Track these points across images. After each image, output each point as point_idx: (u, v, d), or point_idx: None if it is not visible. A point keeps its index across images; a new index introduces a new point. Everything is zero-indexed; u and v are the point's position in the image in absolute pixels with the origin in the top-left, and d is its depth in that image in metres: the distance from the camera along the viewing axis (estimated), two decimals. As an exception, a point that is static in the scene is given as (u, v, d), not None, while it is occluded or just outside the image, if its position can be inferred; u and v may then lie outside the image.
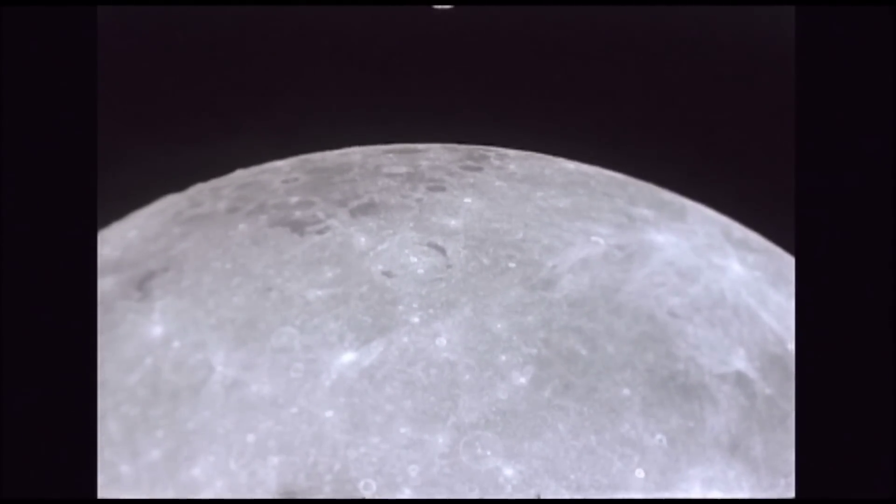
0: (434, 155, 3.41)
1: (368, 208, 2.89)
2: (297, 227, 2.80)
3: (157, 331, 2.49)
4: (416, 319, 2.46)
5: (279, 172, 3.30)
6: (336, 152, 3.55)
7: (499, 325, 2.47)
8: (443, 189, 3.04)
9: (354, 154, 3.46)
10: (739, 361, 2.57)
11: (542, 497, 2.18)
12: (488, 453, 2.20)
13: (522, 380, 2.35)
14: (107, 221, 3.14)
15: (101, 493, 2.16)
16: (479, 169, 3.27)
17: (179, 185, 3.36)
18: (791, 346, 2.70)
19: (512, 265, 2.67)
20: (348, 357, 2.36)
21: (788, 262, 3.30)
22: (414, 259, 2.66)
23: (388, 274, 2.59)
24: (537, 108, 4.74)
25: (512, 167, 3.35)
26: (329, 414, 2.24)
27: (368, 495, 2.13)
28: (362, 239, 2.73)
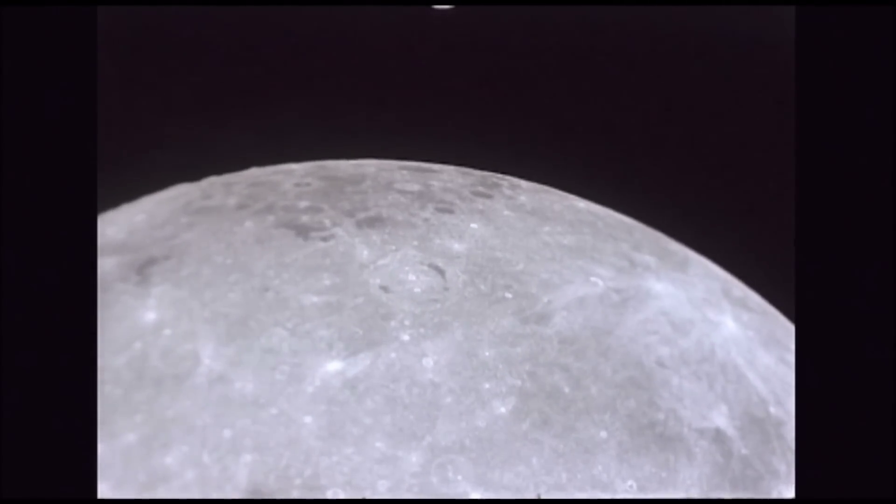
0: (447, 177, 3.44)
1: (375, 222, 2.92)
2: (303, 232, 2.82)
3: (150, 316, 2.52)
4: (406, 337, 2.48)
5: (293, 175, 3.33)
6: (351, 162, 3.58)
7: (487, 353, 2.49)
8: (451, 212, 3.07)
9: (369, 166, 3.49)
10: (720, 418, 2.58)
11: (543, 497, 2.19)
12: (459, 478, 2.21)
13: (503, 409, 2.36)
14: (117, 203, 3.18)
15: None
16: (490, 196, 3.29)
17: (194, 175, 3.40)
18: (773, 409, 2.71)
19: (508, 295, 2.69)
20: (334, 366, 2.38)
21: (784, 324, 3.31)
22: (413, 277, 2.68)
23: (385, 289, 2.62)
24: (557, 142, 4.77)
25: (522, 198, 3.37)
26: (308, 419, 2.26)
27: None
28: (365, 251, 2.75)
